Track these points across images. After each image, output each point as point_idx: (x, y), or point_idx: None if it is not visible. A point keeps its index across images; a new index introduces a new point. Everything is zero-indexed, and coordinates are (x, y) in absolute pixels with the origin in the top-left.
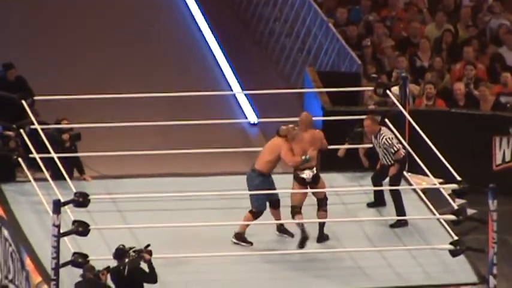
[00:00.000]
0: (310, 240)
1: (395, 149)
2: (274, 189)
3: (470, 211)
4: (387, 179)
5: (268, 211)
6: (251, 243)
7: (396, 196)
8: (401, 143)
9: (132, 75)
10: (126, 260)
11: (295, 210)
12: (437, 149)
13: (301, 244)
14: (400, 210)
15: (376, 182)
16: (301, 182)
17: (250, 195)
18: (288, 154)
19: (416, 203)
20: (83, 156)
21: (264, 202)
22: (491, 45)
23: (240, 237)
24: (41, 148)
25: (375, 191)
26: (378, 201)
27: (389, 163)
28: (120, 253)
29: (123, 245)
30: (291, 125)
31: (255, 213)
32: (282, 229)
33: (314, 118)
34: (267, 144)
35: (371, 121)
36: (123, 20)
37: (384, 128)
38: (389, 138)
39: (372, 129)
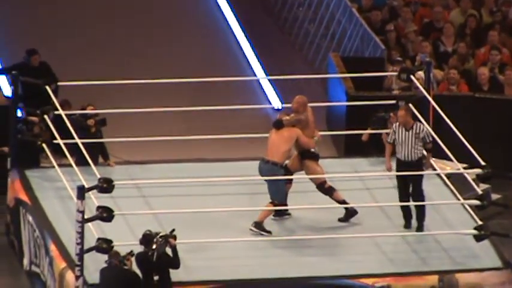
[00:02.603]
0: (329, 226)
1: (431, 139)
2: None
3: (494, 196)
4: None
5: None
6: (270, 232)
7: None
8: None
9: (157, 62)
10: (154, 245)
11: (327, 186)
12: (462, 134)
13: (347, 218)
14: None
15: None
16: (317, 158)
17: (273, 188)
18: (307, 139)
19: (441, 188)
20: (107, 142)
21: (286, 194)
22: None
23: (260, 227)
24: (65, 134)
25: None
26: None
27: (418, 156)
28: (148, 239)
29: (149, 231)
30: (286, 115)
31: (279, 205)
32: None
33: (338, 103)
34: (277, 136)
35: (405, 112)
36: (147, 7)
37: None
38: (426, 127)
39: (405, 120)
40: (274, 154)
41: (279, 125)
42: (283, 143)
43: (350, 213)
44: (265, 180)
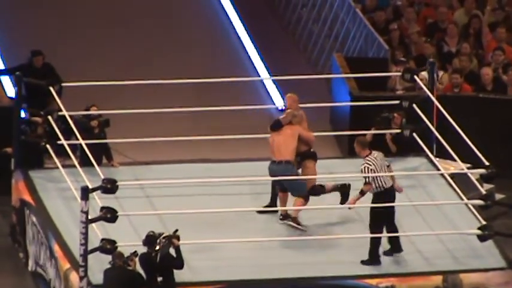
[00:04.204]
0: (334, 226)
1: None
2: None
3: (498, 196)
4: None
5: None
6: (305, 228)
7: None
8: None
9: (161, 63)
10: (157, 246)
11: (317, 187)
12: (465, 134)
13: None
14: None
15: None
16: (316, 159)
17: (294, 185)
18: (308, 133)
19: (444, 188)
20: (111, 142)
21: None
22: None
23: (297, 221)
24: (69, 135)
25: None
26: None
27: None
28: (151, 240)
29: (152, 232)
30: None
31: (306, 197)
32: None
33: (342, 104)
34: (281, 136)
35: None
36: (151, 9)
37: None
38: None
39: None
40: (284, 153)
41: (278, 125)
42: (290, 141)
43: (345, 192)
44: (281, 180)
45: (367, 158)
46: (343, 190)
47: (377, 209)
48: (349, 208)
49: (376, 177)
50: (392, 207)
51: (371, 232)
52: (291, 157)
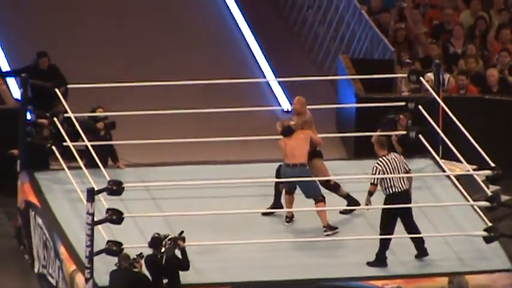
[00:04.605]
0: (340, 228)
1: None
2: None
3: (504, 197)
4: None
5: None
6: (337, 228)
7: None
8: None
9: (167, 64)
10: (163, 248)
11: (332, 183)
12: (471, 136)
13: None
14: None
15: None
16: (322, 156)
17: (310, 187)
18: (317, 137)
19: (450, 189)
20: (117, 144)
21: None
22: None
23: (330, 227)
24: (75, 136)
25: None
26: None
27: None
28: (156, 242)
29: (158, 234)
30: (289, 120)
31: (323, 198)
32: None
33: (348, 105)
34: (294, 141)
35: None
36: (157, 10)
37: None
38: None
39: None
40: (298, 157)
41: (290, 131)
42: (303, 145)
43: (352, 204)
44: (297, 183)
45: (380, 158)
46: (352, 204)
47: (386, 211)
48: (367, 210)
49: (386, 178)
50: (406, 209)
51: (380, 234)
52: (305, 160)
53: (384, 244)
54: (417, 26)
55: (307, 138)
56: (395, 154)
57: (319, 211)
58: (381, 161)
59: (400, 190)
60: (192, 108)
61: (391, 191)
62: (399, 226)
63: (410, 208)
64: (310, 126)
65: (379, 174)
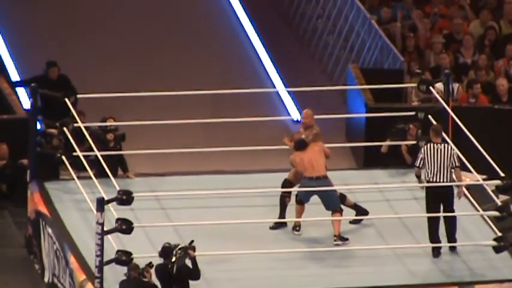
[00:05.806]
0: (350, 238)
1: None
2: None
3: None
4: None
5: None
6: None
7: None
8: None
9: (176, 74)
10: (173, 258)
11: (338, 194)
12: (481, 145)
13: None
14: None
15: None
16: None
17: (332, 199)
18: (328, 149)
19: (460, 199)
20: (126, 154)
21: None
22: None
23: (341, 238)
24: (85, 146)
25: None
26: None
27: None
28: (167, 251)
29: (168, 243)
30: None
31: (341, 210)
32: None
33: (357, 115)
34: (311, 154)
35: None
36: (166, 18)
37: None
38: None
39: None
40: (319, 169)
41: (303, 145)
42: (320, 158)
43: (361, 213)
44: (318, 195)
45: (429, 144)
46: (360, 213)
47: (427, 198)
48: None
49: (426, 164)
50: (448, 196)
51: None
52: (325, 172)
53: (429, 227)
54: (435, 35)
55: (322, 150)
56: (445, 145)
57: (334, 221)
58: (426, 148)
59: (437, 180)
60: (201, 118)
61: (429, 179)
62: (405, 237)
63: (452, 195)
64: (321, 138)
65: (421, 159)
